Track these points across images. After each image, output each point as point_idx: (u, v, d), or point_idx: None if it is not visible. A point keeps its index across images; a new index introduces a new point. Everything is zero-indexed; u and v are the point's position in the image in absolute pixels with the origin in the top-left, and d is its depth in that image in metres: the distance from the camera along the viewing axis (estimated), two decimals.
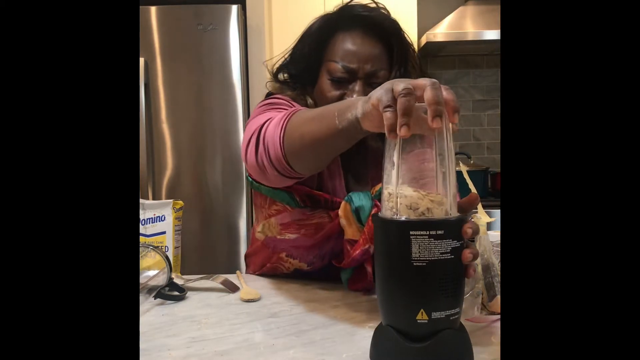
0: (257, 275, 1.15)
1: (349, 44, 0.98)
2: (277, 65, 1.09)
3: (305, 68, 1.03)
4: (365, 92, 0.95)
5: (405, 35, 1.02)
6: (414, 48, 1.04)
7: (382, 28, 0.99)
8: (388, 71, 0.99)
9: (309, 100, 1.03)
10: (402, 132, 0.57)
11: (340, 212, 0.94)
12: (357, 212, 0.93)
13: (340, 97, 0.98)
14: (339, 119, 0.70)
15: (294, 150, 0.79)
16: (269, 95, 1.06)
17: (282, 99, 1.00)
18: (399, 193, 0.60)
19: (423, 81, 0.59)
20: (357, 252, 0.92)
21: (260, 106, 0.99)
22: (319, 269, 1.04)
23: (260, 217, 1.10)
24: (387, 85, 0.61)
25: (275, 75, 1.08)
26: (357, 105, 0.67)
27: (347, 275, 0.97)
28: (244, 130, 0.97)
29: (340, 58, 0.98)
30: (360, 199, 0.94)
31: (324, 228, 0.98)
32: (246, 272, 1.19)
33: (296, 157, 0.80)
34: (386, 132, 0.59)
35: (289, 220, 1.02)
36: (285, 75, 1.08)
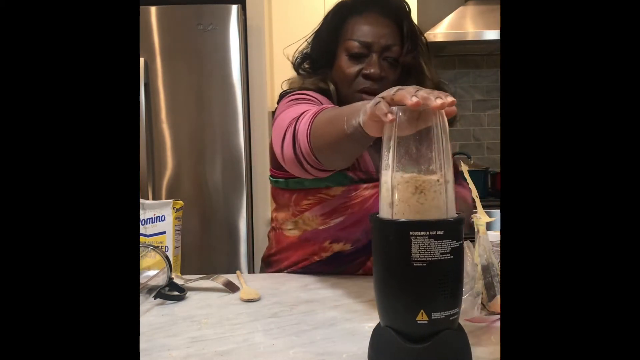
0: (273, 272, 1.15)
1: (363, 24, 1.07)
2: (297, 51, 1.16)
3: (324, 50, 1.11)
4: (380, 65, 1.05)
5: (412, 17, 1.11)
6: (420, 29, 1.13)
7: (393, 9, 1.08)
8: (400, 47, 1.07)
9: (331, 86, 1.10)
10: (413, 100, 0.58)
11: None
12: None
13: (358, 72, 1.06)
14: (347, 125, 0.75)
15: (319, 149, 0.85)
16: (283, 95, 1.11)
17: (305, 94, 1.05)
18: (398, 194, 0.60)
19: (408, 88, 0.62)
20: None
21: (287, 101, 1.03)
22: (362, 247, 1.07)
23: (286, 215, 1.12)
24: (374, 99, 0.66)
25: (295, 62, 1.16)
26: (360, 112, 0.71)
27: None
28: (272, 123, 1.01)
29: (356, 36, 1.06)
30: None
31: (370, 199, 1.05)
32: (270, 271, 1.19)
33: (322, 155, 0.86)
34: (383, 119, 0.61)
35: (331, 208, 1.06)
36: (306, 64, 1.15)
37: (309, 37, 1.15)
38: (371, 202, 1.05)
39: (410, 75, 1.10)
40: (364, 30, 1.06)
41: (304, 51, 1.15)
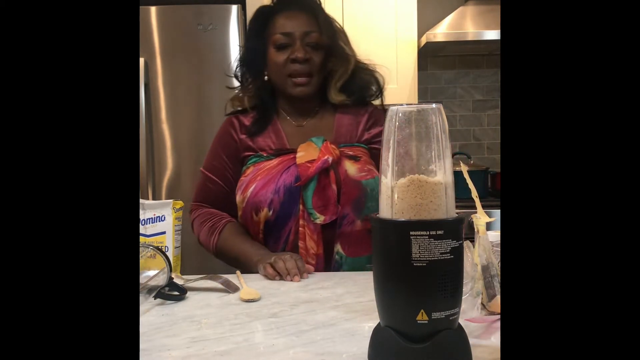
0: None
1: (284, 19, 1.27)
2: (235, 60, 1.38)
3: (256, 51, 1.30)
4: (304, 50, 1.24)
5: (324, 9, 1.32)
6: (336, 20, 1.34)
7: (306, 4, 1.29)
8: (318, 33, 1.26)
9: (265, 98, 1.32)
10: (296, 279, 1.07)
11: (301, 146, 1.24)
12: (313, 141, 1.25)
13: (287, 60, 1.25)
14: (247, 261, 1.20)
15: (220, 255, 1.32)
16: (227, 115, 1.38)
17: (212, 181, 1.34)
18: (397, 194, 0.60)
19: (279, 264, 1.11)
20: (318, 163, 1.18)
21: (215, 147, 1.39)
22: (280, 210, 1.21)
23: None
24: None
25: (235, 70, 1.36)
26: (256, 264, 1.15)
27: (310, 193, 1.19)
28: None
29: (279, 30, 1.26)
30: (316, 138, 1.25)
31: (277, 165, 1.24)
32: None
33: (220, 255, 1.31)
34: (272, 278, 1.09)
35: (246, 183, 1.24)
36: (245, 69, 1.34)
37: (242, 44, 1.38)
38: (276, 165, 1.24)
39: (332, 55, 1.28)
40: (285, 24, 1.26)
41: (241, 57, 1.35)
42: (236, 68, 1.36)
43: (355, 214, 1.21)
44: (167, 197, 2.30)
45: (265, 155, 1.27)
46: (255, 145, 1.29)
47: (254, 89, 1.33)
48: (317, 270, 1.19)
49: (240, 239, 1.26)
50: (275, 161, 1.25)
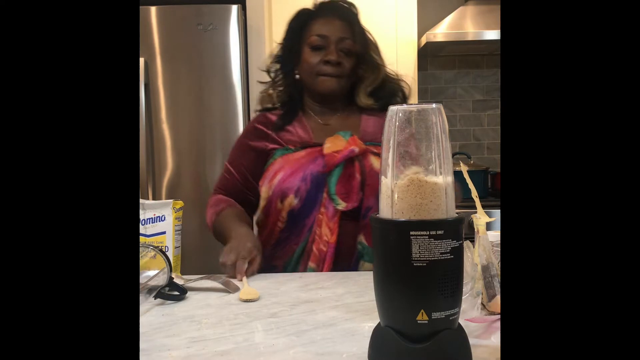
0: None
1: (322, 24, 1.35)
2: (270, 56, 1.45)
3: (291, 50, 1.38)
4: (337, 54, 1.32)
5: (360, 19, 1.40)
6: (368, 30, 1.41)
7: (343, 12, 1.38)
8: (352, 41, 1.34)
9: (294, 96, 1.39)
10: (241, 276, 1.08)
11: (328, 139, 1.28)
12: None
13: (320, 61, 1.32)
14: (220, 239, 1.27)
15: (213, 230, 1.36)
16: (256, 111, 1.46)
17: (256, 140, 1.37)
18: (397, 193, 0.60)
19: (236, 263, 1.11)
20: (344, 152, 1.24)
21: (240, 138, 1.42)
22: (306, 199, 1.24)
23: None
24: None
25: (268, 69, 1.44)
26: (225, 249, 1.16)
27: (334, 180, 1.23)
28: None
29: (315, 32, 1.34)
30: (344, 132, 1.31)
31: (303, 156, 1.28)
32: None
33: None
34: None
35: (274, 171, 1.28)
36: (278, 66, 1.41)
37: (280, 42, 1.42)
38: (304, 156, 1.28)
39: (363, 63, 1.36)
40: (322, 28, 1.34)
41: (277, 54, 1.42)
42: (270, 63, 1.43)
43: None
44: (167, 197, 2.30)
45: (292, 148, 1.31)
46: (282, 139, 1.34)
47: (285, 85, 1.40)
48: (328, 259, 1.20)
49: (235, 220, 1.28)
50: (303, 152, 1.29)
